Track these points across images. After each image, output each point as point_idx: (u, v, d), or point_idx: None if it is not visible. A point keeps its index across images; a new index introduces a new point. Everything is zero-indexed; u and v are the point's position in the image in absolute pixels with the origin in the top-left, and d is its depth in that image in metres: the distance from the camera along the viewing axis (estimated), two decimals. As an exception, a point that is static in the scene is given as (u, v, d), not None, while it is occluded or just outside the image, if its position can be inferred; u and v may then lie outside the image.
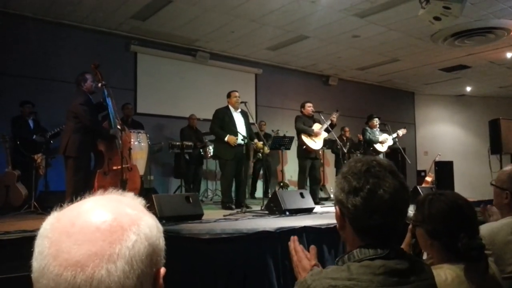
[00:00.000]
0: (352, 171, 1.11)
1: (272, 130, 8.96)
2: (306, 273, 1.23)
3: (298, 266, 1.29)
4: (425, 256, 1.65)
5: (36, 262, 0.60)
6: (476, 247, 1.35)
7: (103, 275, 0.57)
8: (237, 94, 5.95)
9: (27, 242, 2.77)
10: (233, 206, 5.56)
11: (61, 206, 0.67)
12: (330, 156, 9.76)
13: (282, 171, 9.48)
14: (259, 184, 8.94)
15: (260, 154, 5.96)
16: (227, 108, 5.92)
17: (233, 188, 5.93)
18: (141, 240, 0.62)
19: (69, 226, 0.61)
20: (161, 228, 0.68)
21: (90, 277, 0.56)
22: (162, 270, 0.66)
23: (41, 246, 0.61)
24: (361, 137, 8.61)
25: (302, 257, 1.30)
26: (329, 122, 6.66)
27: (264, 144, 5.89)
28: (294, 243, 1.34)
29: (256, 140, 5.91)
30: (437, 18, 5.28)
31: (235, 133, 5.68)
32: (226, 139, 5.65)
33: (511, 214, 1.88)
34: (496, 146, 7.54)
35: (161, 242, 0.67)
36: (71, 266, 0.57)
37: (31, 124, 6.13)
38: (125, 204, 0.66)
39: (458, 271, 1.35)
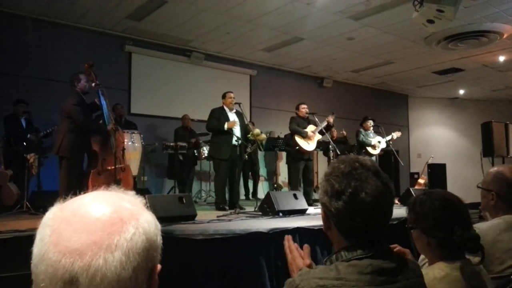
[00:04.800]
0: (334, 174, 1.11)
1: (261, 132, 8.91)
2: None
3: (292, 264, 1.31)
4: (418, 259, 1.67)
5: (37, 248, 0.62)
6: (471, 238, 1.38)
7: (100, 263, 0.58)
8: (232, 95, 5.96)
9: (19, 242, 2.76)
10: (227, 207, 5.57)
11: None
12: (324, 158, 9.79)
13: (275, 171, 9.49)
14: (250, 185, 8.94)
15: (246, 156, 5.94)
16: (222, 108, 5.93)
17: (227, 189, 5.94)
18: (139, 234, 0.63)
19: (70, 215, 0.63)
20: (159, 226, 0.70)
21: (87, 265, 0.58)
22: (158, 266, 0.67)
23: (42, 233, 0.62)
24: (345, 133, 8.66)
25: (296, 256, 1.32)
26: (324, 124, 6.69)
27: (249, 152, 5.88)
28: (288, 242, 1.36)
29: (251, 132, 5.91)
30: (430, 21, 5.31)
31: (230, 133, 5.69)
32: (225, 127, 5.66)
33: (499, 215, 1.90)
34: (488, 149, 7.60)
35: (158, 239, 0.68)
36: (70, 253, 0.58)
37: (24, 123, 6.10)
38: (126, 200, 0.68)
39: (447, 270, 1.37)
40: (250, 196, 8.70)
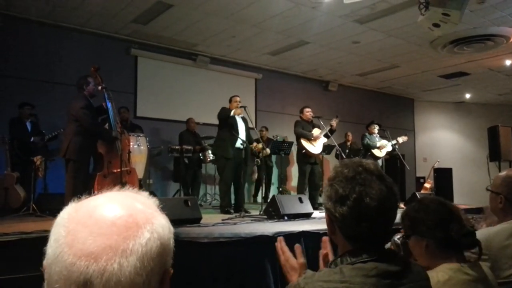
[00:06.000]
0: (338, 179, 1.11)
1: (273, 136, 8.97)
2: (295, 272, 1.28)
3: (286, 265, 1.32)
4: None
5: (51, 249, 0.61)
6: (467, 233, 1.41)
7: (115, 268, 0.58)
8: (238, 99, 5.99)
9: (25, 244, 2.78)
10: (232, 211, 5.56)
11: (61, 209, 0.67)
12: (331, 162, 9.77)
13: (281, 175, 9.46)
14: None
15: (259, 160, 5.96)
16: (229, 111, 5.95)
17: (232, 192, 5.94)
18: (154, 239, 0.63)
19: (86, 217, 0.62)
20: (172, 229, 0.69)
21: (102, 269, 0.58)
22: (170, 270, 0.67)
23: (57, 234, 0.62)
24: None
25: (289, 256, 1.33)
26: (328, 128, 6.68)
27: (263, 148, 5.89)
28: (280, 243, 1.37)
29: (255, 143, 5.91)
30: (436, 25, 5.29)
31: (236, 137, 5.70)
32: (232, 112, 5.70)
33: (507, 219, 1.90)
34: (495, 153, 7.57)
35: (171, 243, 0.68)
36: (85, 256, 0.58)
37: (29, 126, 6.11)
38: (141, 202, 0.68)
39: (451, 273, 1.37)
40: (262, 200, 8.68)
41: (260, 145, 5.85)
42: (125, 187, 0.73)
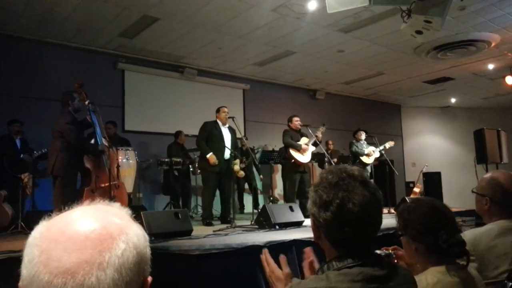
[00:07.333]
0: (322, 184, 1.12)
1: (253, 146, 8.92)
2: (280, 282, 1.30)
3: (272, 276, 1.34)
4: None
5: (26, 270, 0.60)
6: (456, 242, 1.41)
7: (93, 282, 0.58)
8: (226, 109, 6.00)
9: (14, 263, 2.73)
10: (213, 222, 5.54)
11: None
12: (318, 169, 9.81)
13: (271, 184, 9.47)
14: (248, 199, 8.90)
15: (243, 172, 5.96)
16: (215, 122, 5.95)
17: (219, 203, 5.91)
18: (130, 249, 0.63)
19: (59, 234, 0.62)
20: (147, 237, 0.69)
21: (80, 284, 0.57)
22: (149, 279, 0.67)
23: (30, 254, 0.61)
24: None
25: (274, 267, 1.35)
26: (314, 139, 6.71)
27: (242, 167, 5.88)
28: (265, 255, 1.39)
29: (236, 167, 5.86)
30: (418, 32, 5.38)
31: (223, 147, 5.70)
32: (208, 156, 5.63)
33: (493, 220, 1.92)
34: (481, 156, 7.65)
35: (148, 251, 0.68)
36: (61, 273, 0.57)
37: (18, 144, 6.07)
38: (113, 213, 0.68)
39: (440, 276, 1.38)
40: (251, 209, 8.65)
41: (236, 167, 5.80)
42: (113, 201, 0.73)
